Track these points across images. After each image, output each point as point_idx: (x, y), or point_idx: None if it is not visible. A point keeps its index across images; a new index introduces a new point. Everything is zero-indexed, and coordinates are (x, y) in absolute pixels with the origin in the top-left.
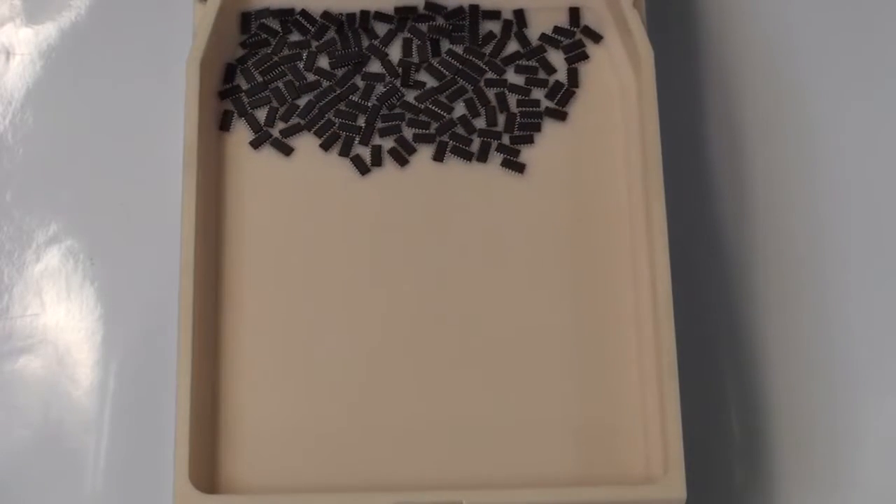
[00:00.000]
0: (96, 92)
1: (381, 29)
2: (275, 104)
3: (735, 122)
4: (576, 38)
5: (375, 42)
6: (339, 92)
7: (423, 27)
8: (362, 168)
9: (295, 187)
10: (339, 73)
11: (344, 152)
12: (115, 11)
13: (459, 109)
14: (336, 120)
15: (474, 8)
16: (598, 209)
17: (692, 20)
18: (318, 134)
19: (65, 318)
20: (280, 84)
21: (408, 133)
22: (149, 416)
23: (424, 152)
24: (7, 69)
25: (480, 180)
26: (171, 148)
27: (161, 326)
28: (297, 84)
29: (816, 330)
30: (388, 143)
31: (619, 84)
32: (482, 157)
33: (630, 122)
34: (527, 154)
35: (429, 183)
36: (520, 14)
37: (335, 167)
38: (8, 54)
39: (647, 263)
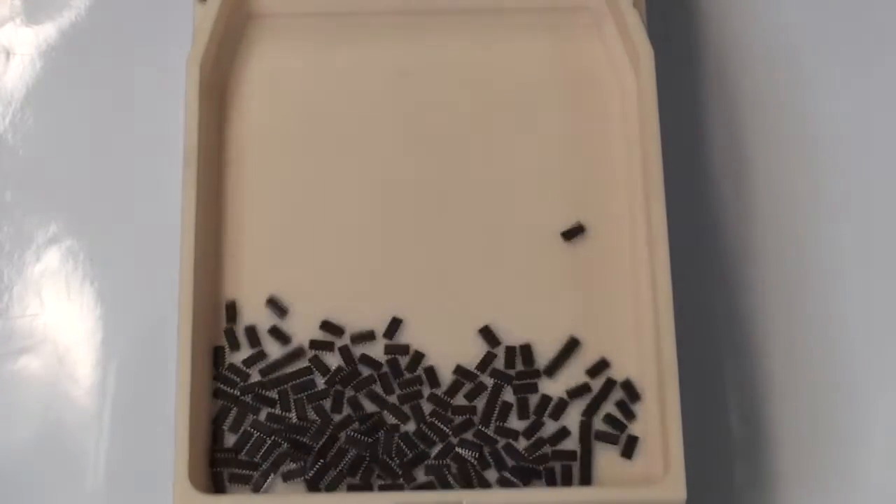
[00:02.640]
0: (96, 92)
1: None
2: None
3: (735, 123)
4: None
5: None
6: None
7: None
8: None
9: (296, 191)
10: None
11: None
12: (115, 11)
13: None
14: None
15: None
16: (598, 210)
17: (692, 20)
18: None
19: (65, 318)
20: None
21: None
22: (149, 416)
23: None
24: (7, 69)
25: (481, 181)
26: (171, 148)
27: (161, 326)
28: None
29: (817, 330)
30: None
31: (619, 84)
32: None
33: (630, 122)
34: (524, 151)
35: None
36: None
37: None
38: (8, 54)
39: (648, 264)
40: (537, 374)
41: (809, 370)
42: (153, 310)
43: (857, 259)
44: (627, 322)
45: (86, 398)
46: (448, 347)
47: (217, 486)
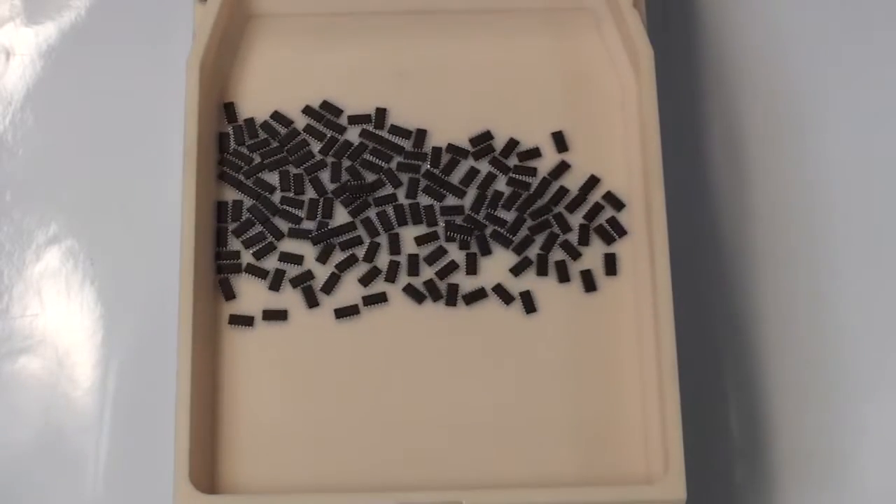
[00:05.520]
0: (96, 92)
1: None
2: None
3: (735, 122)
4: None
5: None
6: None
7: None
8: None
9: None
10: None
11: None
12: (115, 11)
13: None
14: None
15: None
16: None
17: (692, 20)
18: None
19: (65, 319)
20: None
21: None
22: (149, 416)
23: None
24: (7, 69)
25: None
26: (171, 148)
27: (161, 326)
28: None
29: (816, 330)
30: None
31: (619, 84)
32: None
33: (630, 122)
34: (523, 150)
35: None
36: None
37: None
38: (8, 54)
39: (648, 263)
40: (533, 171)
41: (809, 370)
42: (153, 310)
43: (856, 258)
44: (627, 322)
45: (86, 398)
46: None
47: (226, 292)
